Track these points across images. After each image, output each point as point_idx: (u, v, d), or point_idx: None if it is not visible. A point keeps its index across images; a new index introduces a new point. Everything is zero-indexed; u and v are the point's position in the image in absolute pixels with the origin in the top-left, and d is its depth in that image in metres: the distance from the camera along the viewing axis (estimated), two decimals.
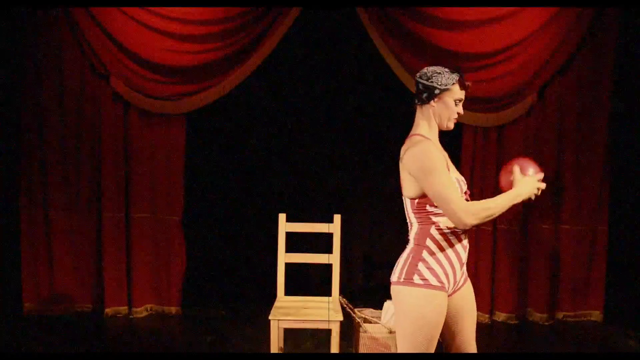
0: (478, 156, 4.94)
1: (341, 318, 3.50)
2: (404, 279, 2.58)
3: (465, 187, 2.70)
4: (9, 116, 4.94)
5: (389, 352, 3.50)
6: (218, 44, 4.80)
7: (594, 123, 4.93)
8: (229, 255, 5.53)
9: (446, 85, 2.65)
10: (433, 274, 2.56)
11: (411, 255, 2.61)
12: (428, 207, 2.61)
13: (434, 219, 2.61)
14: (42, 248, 4.94)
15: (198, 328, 4.79)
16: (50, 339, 4.47)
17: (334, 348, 3.50)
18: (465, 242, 2.66)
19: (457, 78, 2.66)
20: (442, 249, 2.59)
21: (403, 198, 2.71)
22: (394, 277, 2.63)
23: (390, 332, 3.49)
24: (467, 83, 2.69)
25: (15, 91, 4.89)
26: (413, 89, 5.08)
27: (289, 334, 4.06)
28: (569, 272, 5.01)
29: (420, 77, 2.70)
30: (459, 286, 2.68)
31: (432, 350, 2.59)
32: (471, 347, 2.76)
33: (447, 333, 2.72)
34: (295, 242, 3.94)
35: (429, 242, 2.60)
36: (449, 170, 2.62)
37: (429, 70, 2.70)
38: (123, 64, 4.81)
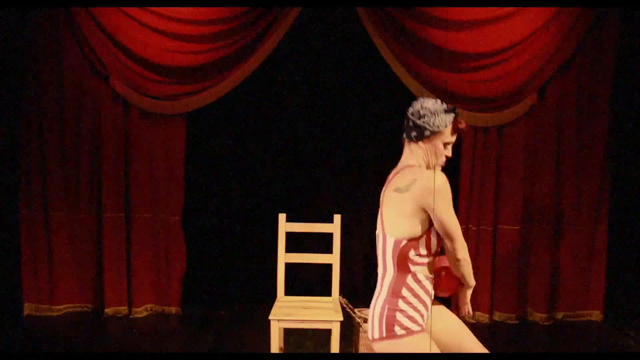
0: (478, 156, 4.93)
1: (341, 318, 3.50)
2: (385, 334, 2.50)
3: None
4: (9, 116, 4.94)
5: None
6: (218, 44, 4.80)
7: (594, 123, 4.93)
8: (229, 255, 5.52)
9: (438, 127, 2.48)
10: (413, 321, 2.50)
11: (387, 307, 2.52)
12: (411, 254, 2.50)
13: (413, 268, 2.51)
14: (42, 248, 4.94)
15: (198, 328, 4.79)
16: (50, 339, 4.48)
17: (334, 348, 3.50)
18: (432, 276, 2.59)
19: (451, 120, 2.49)
20: (417, 296, 2.52)
21: (382, 238, 2.56)
22: (375, 334, 2.54)
23: None
24: (460, 126, 2.52)
25: (15, 91, 4.88)
26: (413, 89, 5.10)
27: (289, 334, 4.07)
28: (569, 272, 5.01)
29: (412, 114, 2.53)
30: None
31: None
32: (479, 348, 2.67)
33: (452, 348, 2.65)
34: (296, 242, 3.94)
35: (405, 292, 2.51)
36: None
37: (422, 107, 2.51)
38: (123, 64, 4.81)
